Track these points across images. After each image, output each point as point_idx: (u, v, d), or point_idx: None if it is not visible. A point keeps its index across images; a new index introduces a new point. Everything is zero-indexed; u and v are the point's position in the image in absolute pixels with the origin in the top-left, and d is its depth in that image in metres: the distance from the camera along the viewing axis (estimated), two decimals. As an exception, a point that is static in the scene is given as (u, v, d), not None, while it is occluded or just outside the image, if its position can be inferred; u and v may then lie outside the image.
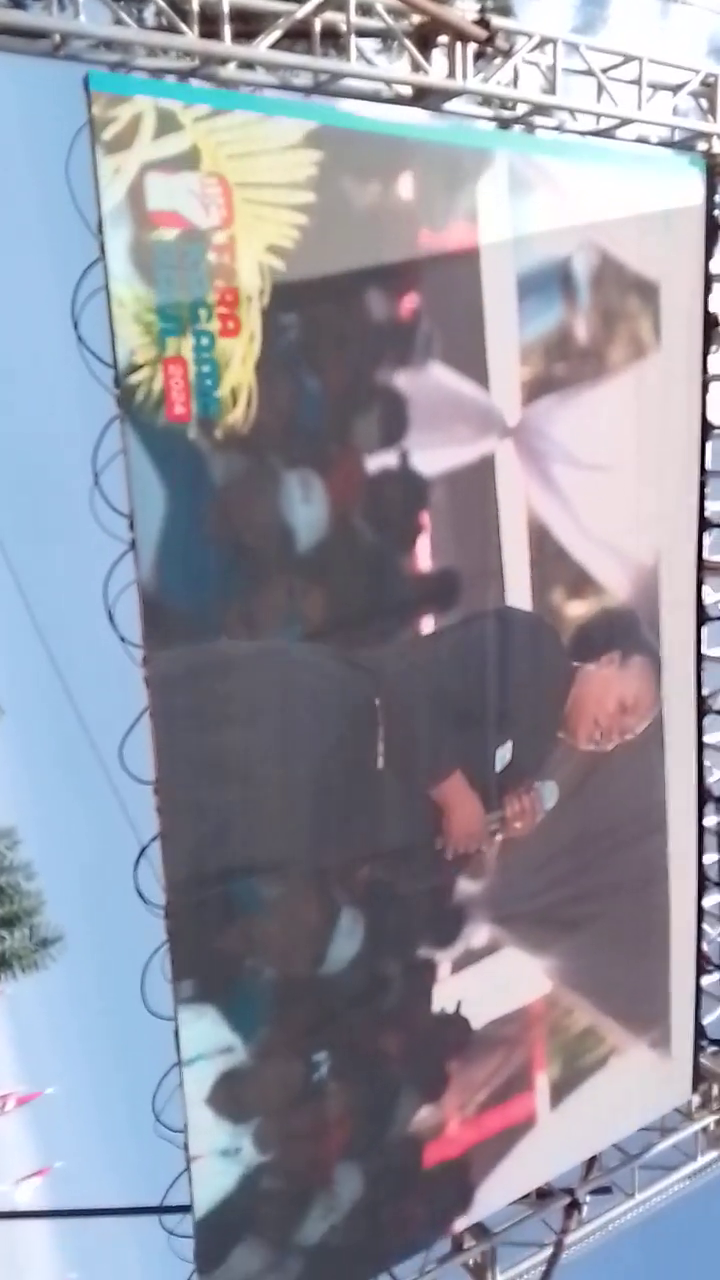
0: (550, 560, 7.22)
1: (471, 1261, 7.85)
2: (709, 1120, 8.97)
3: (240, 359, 5.74)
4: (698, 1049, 8.84)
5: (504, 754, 7.29)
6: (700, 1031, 8.85)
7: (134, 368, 5.45)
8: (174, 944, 6.03)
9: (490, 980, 7.42)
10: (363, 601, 6.62)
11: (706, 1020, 8.91)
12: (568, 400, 7.17)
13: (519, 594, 7.13)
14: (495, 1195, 7.80)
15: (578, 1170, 8.37)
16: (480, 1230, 7.87)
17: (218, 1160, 6.45)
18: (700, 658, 8.26)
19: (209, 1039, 6.30)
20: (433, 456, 6.61)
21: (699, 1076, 8.88)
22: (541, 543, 7.16)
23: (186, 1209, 6.46)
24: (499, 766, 7.27)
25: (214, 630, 6.04)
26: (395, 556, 6.69)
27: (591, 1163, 8.46)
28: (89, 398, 5.53)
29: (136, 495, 5.61)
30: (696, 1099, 8.98)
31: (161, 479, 5.69)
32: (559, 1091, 8.01)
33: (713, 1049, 9.02)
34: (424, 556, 6.72)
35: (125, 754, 5.97)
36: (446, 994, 7.28)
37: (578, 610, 7.48)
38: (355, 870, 6.80)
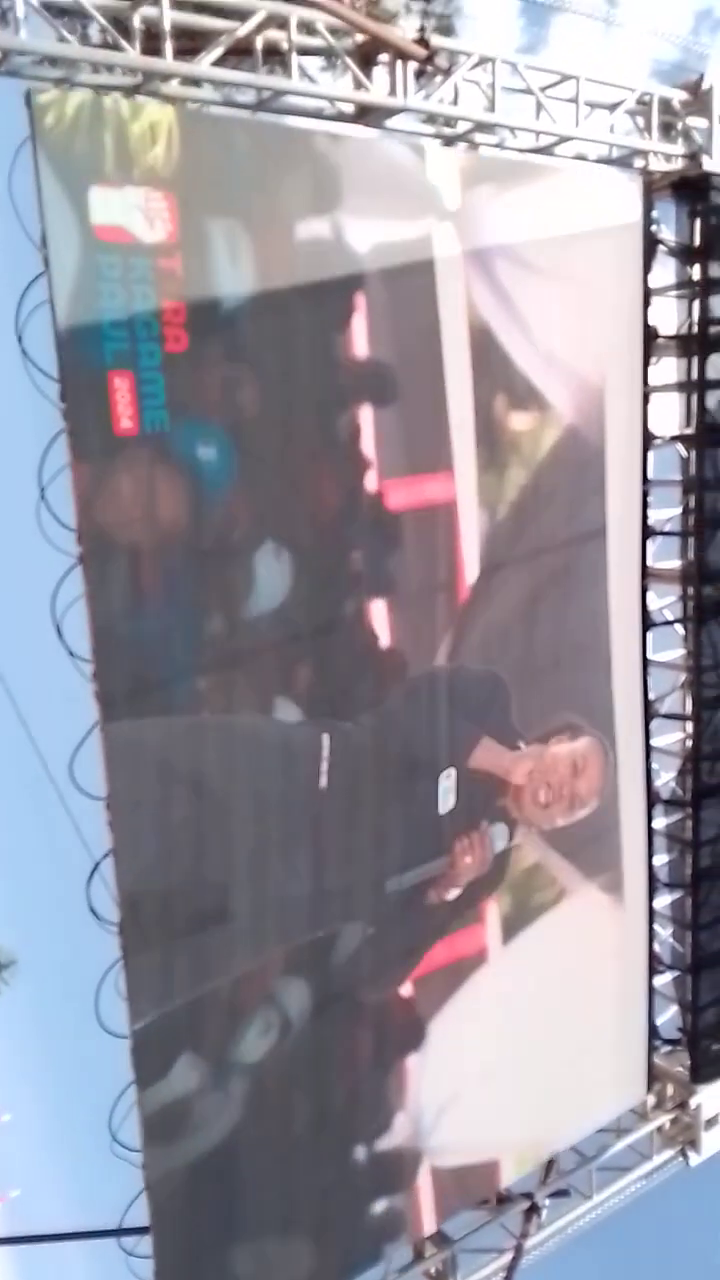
0: (492, 364, 7.06)
1: (433, 1269, 7.87)
2: (663, 1120, 9.11)
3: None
4: (651, 1049, 8.97)
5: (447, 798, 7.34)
6: (653, 1031, 8.99)
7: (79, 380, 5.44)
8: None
9: None
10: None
11: (659, 1020, 9.05)
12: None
13: (459, 394, 6.92)
14: (448, 1031, 7.64)
15: (536, 1174, 8.44)
16: (440, 1238, 7.90)
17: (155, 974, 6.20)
18: (646, 662, 8.42)
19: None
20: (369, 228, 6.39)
21: (652, 1076, 9.01)
22: (483, 344, 7.00)
23: (144, 1230, 6.40)
24: (443, 809, 7.31)
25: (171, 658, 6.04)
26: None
27: (549, 1166, 8.54)
28: (33, 412, 5.50)
29: (82, 507, 5.58)
30: (651, 1099, 9.11)
31: (108, 492, 5.67)
32: (510, 926, 7.93)
33: (665, 1049, 9.17)
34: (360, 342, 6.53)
35: (75, 769, 5.94)
36: None
37: (521, 423, 7.36)
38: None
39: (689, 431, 8.27)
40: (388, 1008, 7.46)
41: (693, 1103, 9.03)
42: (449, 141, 7.00)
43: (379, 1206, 7.54)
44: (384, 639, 6.94)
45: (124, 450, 5.63)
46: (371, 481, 6.71)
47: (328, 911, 6.94)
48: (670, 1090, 9.20)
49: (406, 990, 7.49)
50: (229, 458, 6.10)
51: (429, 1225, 7.77)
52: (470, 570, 7.27)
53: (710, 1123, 9.11)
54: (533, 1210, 8.26)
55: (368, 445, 6.65)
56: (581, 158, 7.57)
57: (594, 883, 8.43)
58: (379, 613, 6.90)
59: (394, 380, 6.74)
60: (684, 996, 9.04)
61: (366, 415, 6.64)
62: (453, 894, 7.49)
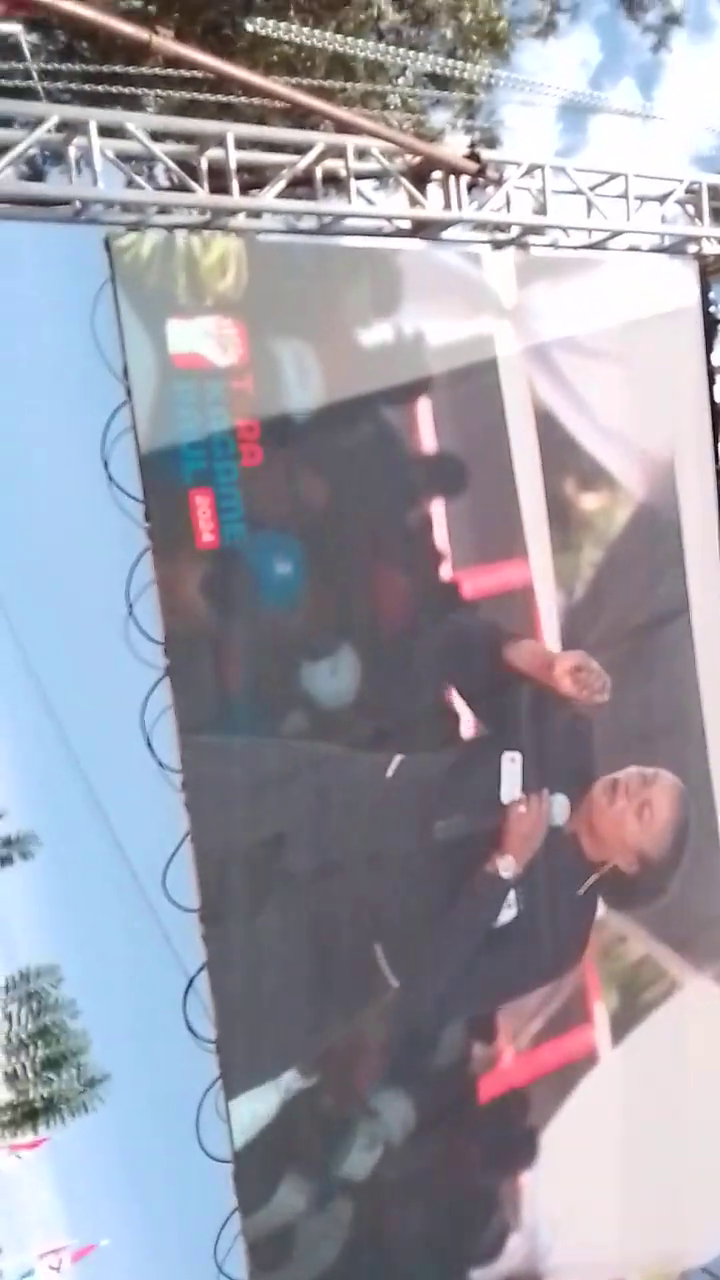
0: (559, 448, 7.10)
1: None
2: None
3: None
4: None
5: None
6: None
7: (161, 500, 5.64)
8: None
9: None
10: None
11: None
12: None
13: (529, 480, 6.96)
14: (561, 1141, 7.22)
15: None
16: None
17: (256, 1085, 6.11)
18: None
19: None
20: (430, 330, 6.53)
21: None
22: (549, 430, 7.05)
23: None
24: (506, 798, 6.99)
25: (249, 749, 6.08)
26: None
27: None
28: (120, 532, 5.69)
29: (169, 620, 5.72)
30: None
31: (193, 604, 5.82)
32: (620, 1025, 7.52)
33: None
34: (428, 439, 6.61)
35: (168, 882, 5.94)
36: None
37: (591, 503, 7.34)
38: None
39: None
40: (497, 1116, 7.13)
41: None
42: (502, 245, 7.22)
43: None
44: (467, 729, 6.87)
45: (207, 562, 5.79)
46: (446, 572, 6.74)
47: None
48: None
49: (517, 1090, 7.16)
50: (303, 563, 6.23)
51: None
52: (552, 648, 7.19)
53: None
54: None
55: (440, 537, 6.70)
56: (635, 249, 7.72)
57: (707, 973, 8.00)
58: (459, 703, 6.85)
59: (463, 472, 6.84)
60: None
61: (438, 508, 6.73)
62: (505, 864, 6.97)
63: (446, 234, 6.90)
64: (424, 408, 6.66)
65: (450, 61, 7.65)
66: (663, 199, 7.67)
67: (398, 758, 6.52)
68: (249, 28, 6.30)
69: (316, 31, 6.58)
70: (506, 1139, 7.20)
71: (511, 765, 6.96)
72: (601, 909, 7.38)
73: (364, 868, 6.51)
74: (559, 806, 7.22)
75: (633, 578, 7.65)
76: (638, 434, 7.62)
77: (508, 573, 7.03)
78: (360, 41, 6.83)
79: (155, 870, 5.98)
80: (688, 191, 7.79)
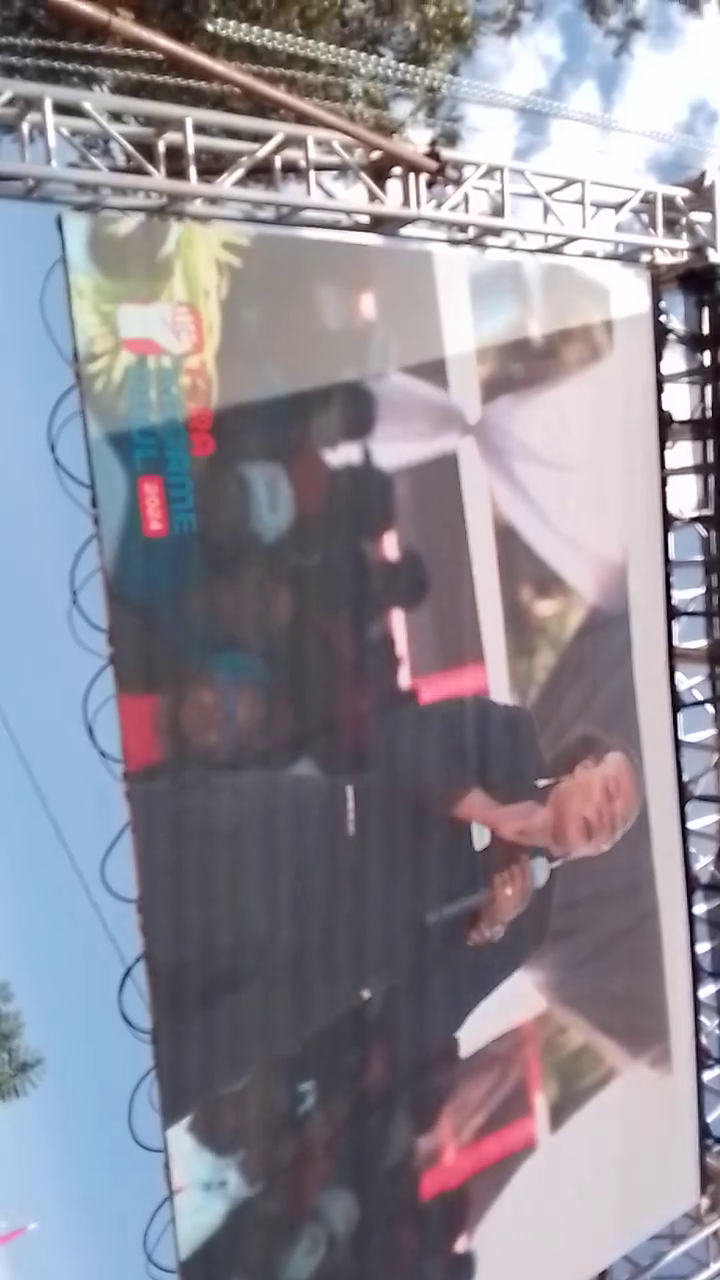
0: (517, 558, 7.27)
1: None
2: (719, 1223, 8.68)
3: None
4: (703, 1149, 8.60)
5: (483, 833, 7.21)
6: (705, 1130, 8.63)
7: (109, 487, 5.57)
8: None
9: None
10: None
11: (710, 1118, 8.69)
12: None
13: (487, 589, 7.11)
14: (500, 1226, 7.37)
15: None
16: None
17: (200, 1194, 6.07)
18: (678, 744, 8.33)
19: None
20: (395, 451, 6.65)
21: (706, 1178, 8.62)
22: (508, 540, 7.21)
23: None
24: (479, 845, 7.18)
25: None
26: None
27: (602, 1277, 8.13)
28: (66, 517, 5.63)
29: (114, 609, 5.66)
30: (705, 1202, 8.70)
31: (138, 593, 5.76)
32: (558, 1113, 7.69)
33: (718, 1148, 8.79)
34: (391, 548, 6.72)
35: (106, 870, 5.90)
36: None
37: (546, 610, 7.52)
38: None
39: (708, 512, 8.34)
40: (439, 1211, 7.25)
41: (750, 1205, 8.63)
42: (459, 245, 7.25)
43: None
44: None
45: (154, 551, 5.73)
46: (405, 679, 6.81)
47: (367, 962, 6.76)
48: (725, 1192, 8.79)
49: (456, 1191, 7.29)
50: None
51: None
52: None
53: (770, 1227, 8.69)
54: (588, 1326, 7.85)
55: (400, 646, 6.76)
56: (590, 255, 7.81)
57: (642, 1060, 8.24)
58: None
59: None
60: (735, 1091, 8.71)
61: (398, 620, 6.77)
62: (496, 931, 7.23)
63: (404, 231, 6.92)
64: (376, 418, 6.62)
65: (408, 67, 7.63)
66: (618, 207, 7.77)
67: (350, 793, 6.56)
68: (210, 28, 6.23)
69: (275, 34, 6.50)
70: (447, 1231, 7.32)
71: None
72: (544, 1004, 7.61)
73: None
74: (540, 870, 7.48)
75: (583, 680, 7.80)
76: (592, 540, 7.78)
77: (464, 678, 7.12)
78: (319, 44, 6.78)
79: (95, 859, 5.94)
80: (644, 201, 7.90)
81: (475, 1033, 7.24)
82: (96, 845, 5.96)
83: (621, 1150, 8.06)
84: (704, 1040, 8.60)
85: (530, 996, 7.51)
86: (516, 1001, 7.44)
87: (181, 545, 5.81)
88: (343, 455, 6.51)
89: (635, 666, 8.00)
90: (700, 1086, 8.55)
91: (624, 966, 8.09)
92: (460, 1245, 7.33)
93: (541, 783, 7.52)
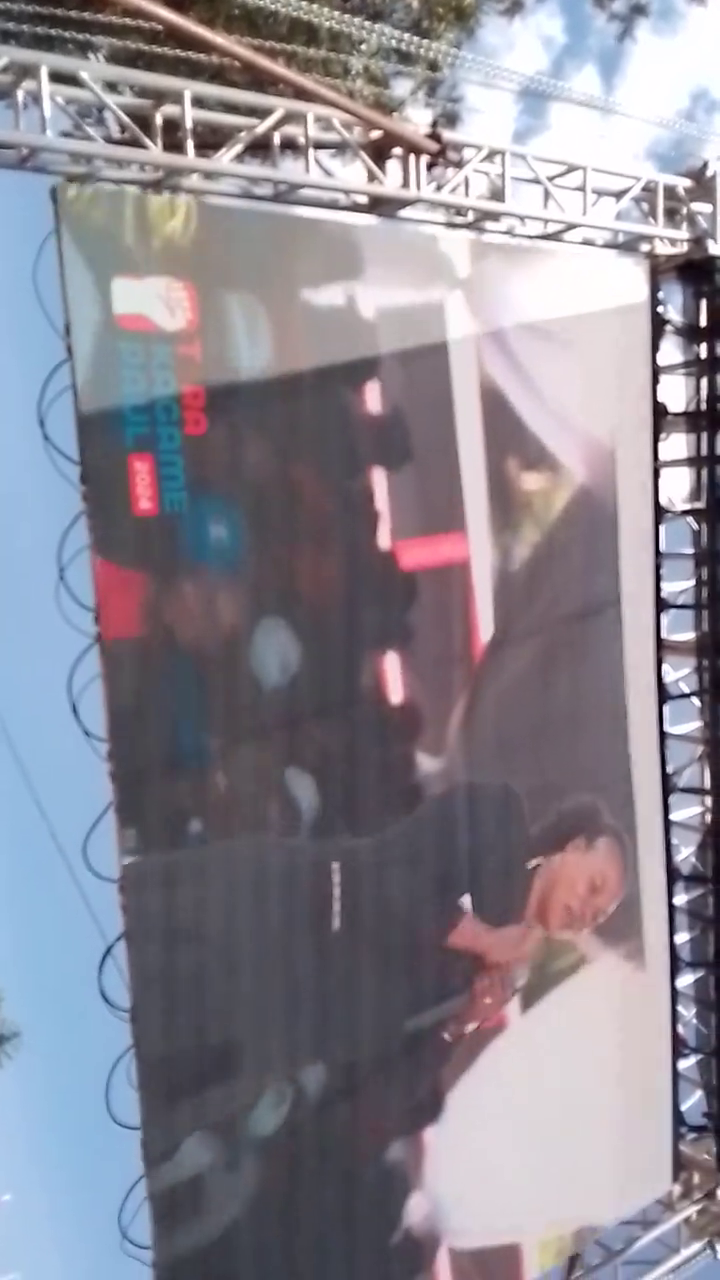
0: (504, 425, 7.16)
1: None
2: (691, 1211, 8.78)
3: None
4: (677, 1136, 8.68)
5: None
6: (679, 1117, 8.71)
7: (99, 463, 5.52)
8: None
9: None
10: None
11: (684, 1106, 8.78)
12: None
13: (472, 455, 6.99)
14: (466, 1103, 7.42)
15: (559, 1273, 8.12)
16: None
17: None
18: (664, 735, 8.36)
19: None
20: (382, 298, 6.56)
21: (679, 1165, 8.71)
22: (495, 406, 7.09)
23: None
24: None
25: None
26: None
27: (573, 1261, 8.22)
28: (55, 495, 5.57)
29: (101, 587, 5.62)
30: (677, 1189, 8.80)
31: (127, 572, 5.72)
32: (529, 995, 7.72)
33: (692, 1136, 8.88)
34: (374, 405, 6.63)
35: (89, 850, 5.88)
36: None
37: (533, 484, 7.41)
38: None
39: (700, 505, 8.34)
40: (405, 1079, 7.28)
41: (720, 1193, 8.74)
42: (458, 229, 7.19)
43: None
44: (398, 698, 6.89)
45: (144, 530, 5.69)
46: (384, 540, 6.72)
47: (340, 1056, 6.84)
48: (697, 1179, 8.89)
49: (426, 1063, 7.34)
50: (242, 534, 6.15)
51: None
52: (484, 630, 7.26)
53: (740, 1214, 8.79)
54: (558, 1311, 7.94)
55: (381, 504, 6.67)
56: (589, 243, 7.76)
57: (616, 951, 8.23)
58: (393, 672, 6.87)
59: (407, 442, 6.80)
60: (710, 1080, 8.79)
61: (380, 478, 6.69)
62: (469, 1028, 7.40)
63: (403, 213, 6.85)
64: (372, 378, 6.60)
65: (411, 38, 7.53)
66: (619, 195, 7.72)
67: (336, 872, 6.58)
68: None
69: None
70: (413, 1099, 7.33)
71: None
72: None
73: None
74: (520, 973, 7.59)
75: (568, 562, 7.73)
76: (583, 419, 7.66)
77: (446, 547, 7.05)
78: (322, 9, 6.67)
79: (78, 838, 5.92)
80: (644, 189, 7.84)
81: None
82: (80, 825, 5.96)
83: (592, 1047, 8.11)
84: (680, 1030, 8.67)
85: None
86: None
87: (172, 525, 5.76)
88: (326, 307, 6.35)
89: (626, 653, 8.00)
90: (675, 1075, 8.63)
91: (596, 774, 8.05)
92: (425, 1113, 7.38)
93: (532, 863, 7.60)
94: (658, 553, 8.16)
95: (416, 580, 6.93)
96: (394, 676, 6.86)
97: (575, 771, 7.87)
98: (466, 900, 7.28)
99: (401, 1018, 7.11)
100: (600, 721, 8.04)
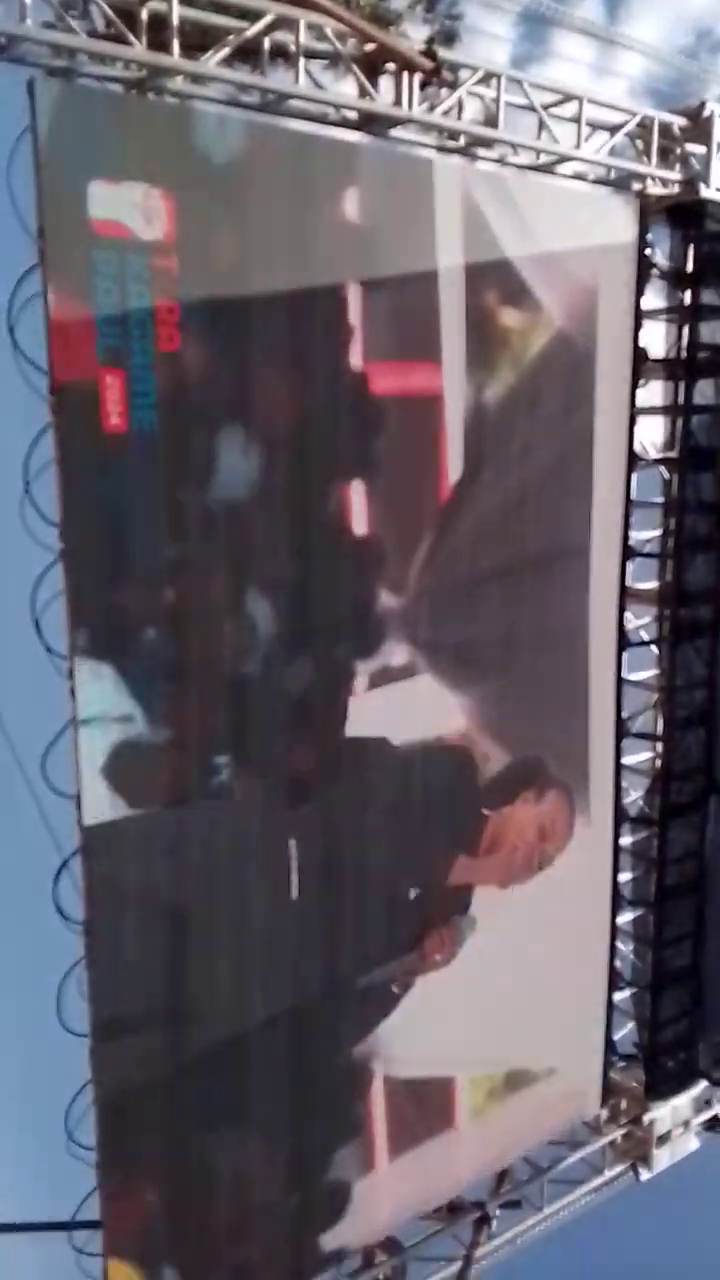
0: (486, 254, 6.96)
1: (382, 1276, 7.88)
2: (616, 1134, 9.18)
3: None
4: (607, 1063, 9.04)
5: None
6: (610, 1046, 9.06)
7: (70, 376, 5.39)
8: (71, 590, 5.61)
9: (406, 705, 7.19)
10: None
11: (616, 1036, 9.12)
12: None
13: (451, 281, 6.78)
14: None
15: (487, 1185, 8.48)
16: (391, 1244, 7.91)
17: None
18: (620, 681, 8.48)
19: (106, 701, 5.85)
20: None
21: (608, 1091, 9.08)
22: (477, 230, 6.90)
23: (97, 1225, 6.36)
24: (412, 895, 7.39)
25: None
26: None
27: (501, 1176, 8.58)
28: (23, 404, 5.45)
29: (67, 503, 5.54)
30: (605, 1113, 9.18)
31: (94, 490, 5.63)
32: None
33: (622, 1064, 9.25)
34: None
35: (48, 767, 5.90)
36: (362, 712, 6.96)
37: (511, 320, 7.22)
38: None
39: (673, 455, 8.35)
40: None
41: (646, 1119, 9.12)
42: (449, 153, 7.01)
43: (338, 1111, 7.42)
44: (361, 528, 6.76)
45: (112, 447, 5.58)
46: (356, 359, 6.49)
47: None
48: (624, 1105, 9.28)
49: None
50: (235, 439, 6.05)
51: (383, 1155, 7.63)
52: (453, 468, 7.11)
53: (662, 1139, 9.21)
54: (483, 1220, 8.31)
55: (354, 319, 6.43)
56: (580, 177, 7.62)
57: (580, 816, 8.34)
58: (358, 501, 6.71)
59: (382, 254, 6.54)
60: (643, 1013, 9.13)
61: (355, 293, 6.43)
62: (409, 984, 7.55)
63: (393, 133, 6.67)
64: (351, 200, 6.35)
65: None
66: (613, 130, 7.56)
67: (293, 847, 6.64)
68: None
69: None
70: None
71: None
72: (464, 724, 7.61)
73: None
74: (467, 926, 7.72)
75: (542, 409, 7.52)
76: (566, 257, 7.42)
77: (419, 376, 6.86)
78: None
79: (37, 753, 5.92)
80: (639, 126, 7.69)
81: (398, 734, 7.20)
82: (39, 739, 5.96)
83: (540, 928, 8.26)
84: (617, 964, 8.96)
85: (454, 714, 7.50)
86: (440, 716, 7.43)
87: (141, 444, 5.66)
88: (311, 225, 6.14)
89: (590, 597, 8.02)
90: (610, 1007, 8.95)
91: (548, 709, 8.12)
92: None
93: (486, 812, 7.72)
94: (628, 500, 8.17)
95: (386, 407, 6.72)
96: (358, 506, 6.70)
97: (538, 630, 7.84)
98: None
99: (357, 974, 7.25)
100: (565, 574, 7.97)
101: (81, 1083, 6.19)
